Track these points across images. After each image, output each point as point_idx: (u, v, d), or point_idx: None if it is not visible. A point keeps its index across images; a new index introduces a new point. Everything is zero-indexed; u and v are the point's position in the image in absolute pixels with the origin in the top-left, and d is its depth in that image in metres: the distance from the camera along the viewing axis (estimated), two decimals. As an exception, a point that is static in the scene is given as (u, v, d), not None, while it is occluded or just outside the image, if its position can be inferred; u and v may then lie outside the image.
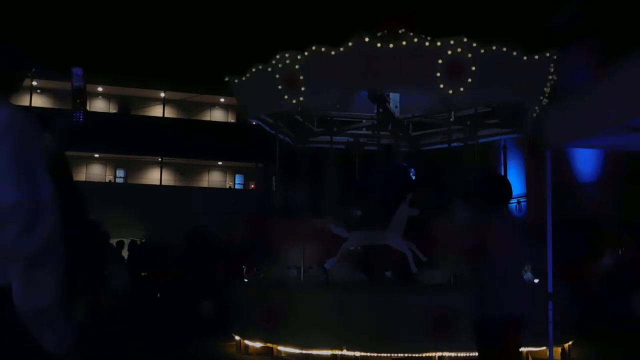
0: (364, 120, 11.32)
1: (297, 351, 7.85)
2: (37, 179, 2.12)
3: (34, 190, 2.09)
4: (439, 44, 8.22)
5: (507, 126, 10.30)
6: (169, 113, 33.02)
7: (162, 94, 32.32)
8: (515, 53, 8.53)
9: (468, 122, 10.28)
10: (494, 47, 8.36)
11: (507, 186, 4.42)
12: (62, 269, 2.13)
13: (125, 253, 13.70)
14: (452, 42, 8.14)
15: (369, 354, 7.52)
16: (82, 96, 2.94)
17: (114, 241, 13.01)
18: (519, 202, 15.90)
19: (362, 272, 8.72)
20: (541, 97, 9.27)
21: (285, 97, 8.87)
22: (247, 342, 8.68)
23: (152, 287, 12.70)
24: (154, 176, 32.45)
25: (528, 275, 8.46)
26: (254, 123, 10.76)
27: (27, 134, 2.15)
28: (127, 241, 14.45)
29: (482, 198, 4.30)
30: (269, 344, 8.23)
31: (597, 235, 11.04)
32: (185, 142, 29.19)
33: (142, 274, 12.47)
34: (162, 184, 31.81)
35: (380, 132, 10.09)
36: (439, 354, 7.45)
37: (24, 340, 2.07)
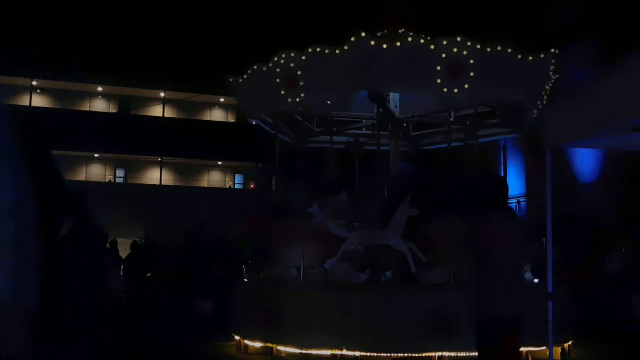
0: (364, 120, 11.30)
1: (297, 351, 7.84)
2: (5, 176, 1.92)
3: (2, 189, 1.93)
4: (439, 44, 8.22)
5: (507, 126, 10.29)
6: (169, 113, 33.00)
7: (162, 94, 32.31)
8: (515, 53, 8.53)
9: (468, 122, 10.27)
10: (494, 47, 8.36)
11: (505, 186, 4.42)
12: (39, 272, 2.02)
13: (125, 253, 13.70)
14: (452, 42, 8.14)
15: (369, 354, 7.52)
16: None
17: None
18: (519, 202, 15.89)
19: (362, 272, 8.71)
20: (541, 97, 9.26)
21: (286, 97, 8.87)
22: (247, 342, 8.67)
23: (152, 287, 12.70)
24: (154, 176, 32.44)
25: (528, 275, 8.45)
26: (254, 123, 10.76)
27: None
28: (128, 241, 14.44)
29: (481, 198, 4.30)
30: (269, 344, 8.22)
31: (597, 235, 11.03)
32: (185, 142, 29.17)
33: (143, 274, 12.46)
34: (162, 184, 31.79)
35: (380, 132, 10.08)
36: (439, 354, 7.45)
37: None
